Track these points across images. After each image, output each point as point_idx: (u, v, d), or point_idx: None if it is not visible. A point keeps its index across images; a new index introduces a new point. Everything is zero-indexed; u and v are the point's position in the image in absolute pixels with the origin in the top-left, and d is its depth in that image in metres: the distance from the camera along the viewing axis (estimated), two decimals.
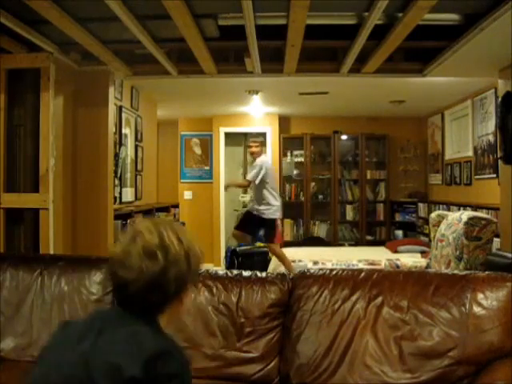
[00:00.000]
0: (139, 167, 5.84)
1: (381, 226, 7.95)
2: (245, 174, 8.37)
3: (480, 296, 1.95)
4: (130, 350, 1.05)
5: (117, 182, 4.93)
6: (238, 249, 6.23)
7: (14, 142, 3.71)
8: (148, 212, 5.63)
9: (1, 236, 3.59)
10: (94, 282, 2.34)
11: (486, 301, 1.93)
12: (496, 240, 4.11)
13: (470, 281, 2.02)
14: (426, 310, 1.98)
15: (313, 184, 7.92)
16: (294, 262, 5.28)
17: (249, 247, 6.37)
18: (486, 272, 2.15)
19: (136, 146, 5.72)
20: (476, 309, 1.93)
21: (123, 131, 5.22)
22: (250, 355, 2.10)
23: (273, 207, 5.55)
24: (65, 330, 1.20)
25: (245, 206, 8.03)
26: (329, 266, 4.67)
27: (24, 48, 3.71)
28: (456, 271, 2.49)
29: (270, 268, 5.63)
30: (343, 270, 2.25)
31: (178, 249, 1.16)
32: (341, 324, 2.05)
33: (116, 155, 4.83)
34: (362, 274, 2.18)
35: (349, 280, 2.16)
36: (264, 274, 2.29)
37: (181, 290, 1.20)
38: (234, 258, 6.13)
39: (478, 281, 2.01)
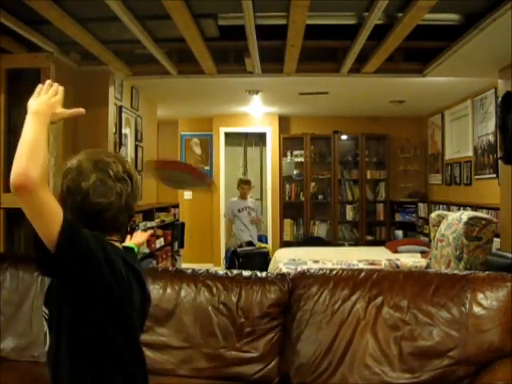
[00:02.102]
0: (139, 167, 5.84)
1: (381, 226, 7.95)
2: (245, 173, 8.37)
3: (480, 296, 1.95)
4: None
5: None
6: (238, 250, 6.23)
7: (14, 142, 3.71)
8: (148, 212, 5.63)
9: (1, 236, 3.59)
10: None
11: (486, 301, 1.93)
12: (496, 240, 4.10)
13: (470, 281, 2.02)
14: (425, 309, 1.98)
15: (313, 184, 7.92)
16: (294, 260, 5.27)
17: (250, 248, 6.37)
18: (486, 272, 2.15)
19: (136, 146, 5.72)
20: (476, 309, 1.92)
21: (123, 131, 5.22)
22: (250, 355, 2.10)
23: None
24: None
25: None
26: (329, 265, 4.67)
27: (24, 48, 3.71)
28: (456, 271, 2.49)
29: (270, 268, 5.63)
30: (343, 270, 2.26)
31: (134, 173, 1.34)
32: (341, 324, 2.06)
33: None
34: (362, 274, 2.18)
35: (349, 280, 2.17)
36: (264, 274, 2.29)
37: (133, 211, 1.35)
38: (235, 259, 6.13)
39: (478, 281, 2.01)
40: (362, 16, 3.29)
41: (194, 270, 2.37)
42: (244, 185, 6.43)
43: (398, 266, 4.79)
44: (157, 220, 5.83)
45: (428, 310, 1.98)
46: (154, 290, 2.25)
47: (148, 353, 2.17)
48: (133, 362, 1.25)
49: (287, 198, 7.95)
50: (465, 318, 1.92)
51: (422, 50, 4.25)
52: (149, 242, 5.45)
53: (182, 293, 2.23)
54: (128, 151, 5.43)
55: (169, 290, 2.25)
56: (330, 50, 4.36)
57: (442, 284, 2.04)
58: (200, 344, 2.14)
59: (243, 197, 6.44)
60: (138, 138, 5.76)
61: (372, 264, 4.99)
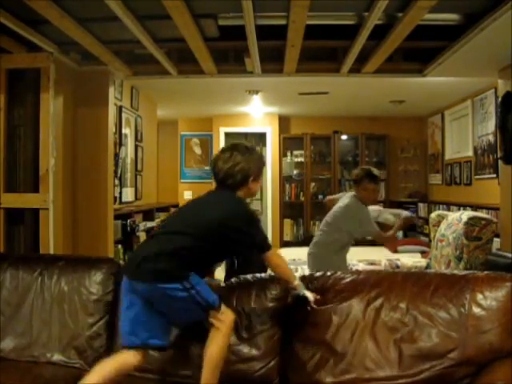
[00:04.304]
0: (139, 167, 5.85)
1: None
2: None
3: (479, 296, 1.94)
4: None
5: (117, 182, 4.93)
6: None
7: (13, 142, 3.71)
8: (148, 212, 5.63)
9: (1, 236, 3.60)
10: (94, 282, 2.34)
11: (486, 301, 1.93)
12: (496, 240, 4.11)
13: (469, 281, 2.01)
14: (425, 311, 1.98)
15: (313, 184, 7.92)
16: (294, 260, 5.27)
17: None
18: (486, 272, 2.14)
19: (136, 146, 5.72)
20: (475, 309, 1.92)
21: (123, 131, 5.23)
22: (251, 355, 2.10)
23: None
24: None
25: None
26: None
27: (24, 48, 3.71)
28: (456, 271, 2.48)
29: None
30: (343, 271, 2.25)
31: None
32: (340, 325, 2.05)
33: (116, 155, 4.83)
34: (362, 275, 2.18)
35: (348, 281, 2.16)
36: (264, 274, 2.29)
37: (246, 180, 2.03)
38: (235, 258, 6.13)
39: (478, 281, 2.00)
40: (362, 16, 3.29)
41: None
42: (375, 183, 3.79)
43: (397, 266, 4.79)
44: (157, 220, 5.83)
45: (427, 311, 1.97)
46: None
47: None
48: None
49: (287, 197, 7.95)
50: (464, 318, 1.91)
51: (422, 50, 4.25)
52: None
53: None
54: (128, 151, 5.43)
55: None
56: (330, 50, 4.36)
57: (441, 285, 2.04)
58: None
59: (370, 202, 3.94)
60: (137, 138, 5.77)
61: (372, 264, 4.99)
